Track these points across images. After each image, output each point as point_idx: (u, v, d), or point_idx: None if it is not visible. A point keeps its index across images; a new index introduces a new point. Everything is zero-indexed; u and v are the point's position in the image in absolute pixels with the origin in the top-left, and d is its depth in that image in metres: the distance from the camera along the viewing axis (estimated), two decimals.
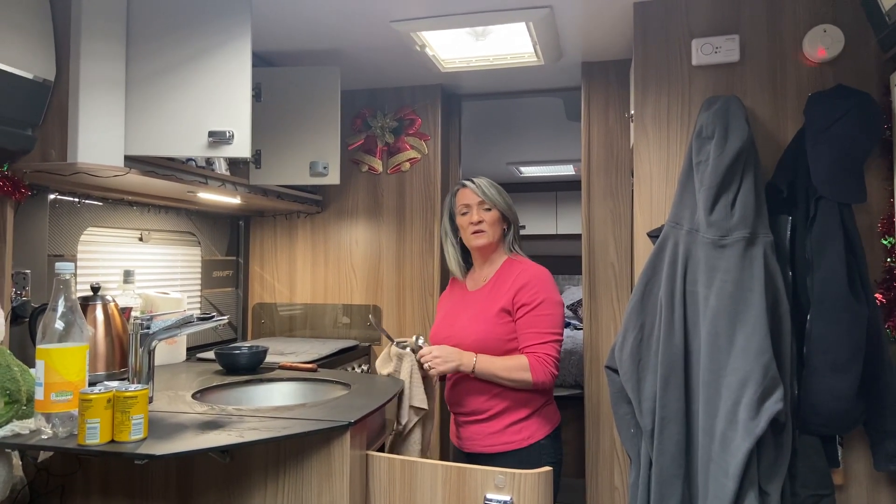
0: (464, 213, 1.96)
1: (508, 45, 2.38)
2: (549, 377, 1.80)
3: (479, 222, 1.93)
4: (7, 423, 1.34)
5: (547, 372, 1.80)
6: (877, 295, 1.79)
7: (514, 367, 1.80)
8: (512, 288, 1.87)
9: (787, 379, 1.69)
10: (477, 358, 1.82)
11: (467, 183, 1.98)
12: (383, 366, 1.93)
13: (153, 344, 1.63)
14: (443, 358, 1.81)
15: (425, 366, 1.83)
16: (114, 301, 1.91)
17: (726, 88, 1.98)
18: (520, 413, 1.83)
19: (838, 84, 1.85)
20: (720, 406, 1.67)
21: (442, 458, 2.87)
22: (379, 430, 1.75)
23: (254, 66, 1.87)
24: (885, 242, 1.81)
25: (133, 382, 1.60)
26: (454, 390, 1.93)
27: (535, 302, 1.84)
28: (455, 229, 2.03)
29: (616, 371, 1.90)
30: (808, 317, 1.73)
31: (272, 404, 1.89)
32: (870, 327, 1.70)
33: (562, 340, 1.85)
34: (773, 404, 1.61)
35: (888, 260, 1.81)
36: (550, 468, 1.47)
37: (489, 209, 1.94)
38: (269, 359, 2.17)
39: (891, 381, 1.73)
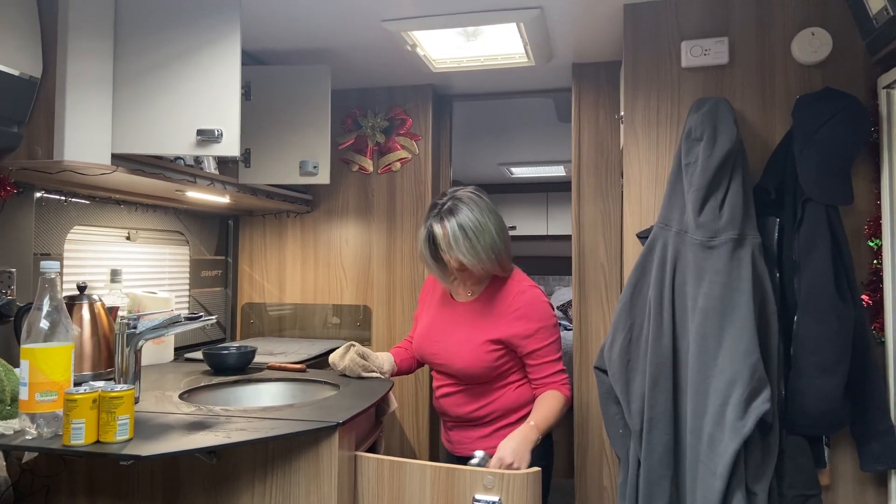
0: (443, 250, 1.77)
1: (499, 45, 2.38)
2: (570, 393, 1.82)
3: (461, 265, 1.76)
4: None
5: (570, 392, 1.81)
6: (863, 296, 1.80)
7: (561, 409, 1.76)
8: (506, 317, 1.78)
9: (774, 380, 1.70)
10: (536, 425, 1.68)
11: (436, 227, 1.75)
12: (339, 360, 1.97)
13: (140, 344, 1.62)
14: (517, 461, 1.59)
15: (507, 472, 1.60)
16: (100, 300, 1.89)
17: (715, 90, 1.99)
18: (508, 418, 1.81)
19: (826, 87, 1.87)
20: (708, 406, 1.68)
21: (432, 458, 2.86)
22: (368, 430, 1.75)
23: (244, 64, 1.86)
24: (871, 244, 1.83)
25: (119, 382, 1.59)
26: (441, 401, 1.90)
27: (538, 334, 1.76)
28: (436, 252, 1.82)
29: (605, 371, 1.90)
30: (796, 318, 1.74)
31: (260, 405, 1.88)
32: (856, 329, 1.71)
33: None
34: (761, 405, 1.62)
35: (874, 262, 1.82)
36: (539, 468, 1.47)
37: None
38: (257, 359, 2.16)
39: (877, 382, 1.74)
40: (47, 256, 1.97)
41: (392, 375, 2.00)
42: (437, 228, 1.75)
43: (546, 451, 1.84)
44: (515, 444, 1.62)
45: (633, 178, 2.08)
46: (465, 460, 1.81)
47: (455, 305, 1.90)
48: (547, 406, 1.74)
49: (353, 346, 1.98)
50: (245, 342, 2.78)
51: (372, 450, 1.74)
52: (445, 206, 1.77)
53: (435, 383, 1.94)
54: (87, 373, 1.78)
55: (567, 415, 2.78)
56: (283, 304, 3.04)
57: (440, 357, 1.87)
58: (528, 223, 6.00)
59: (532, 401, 1.80)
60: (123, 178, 1.91)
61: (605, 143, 2.67)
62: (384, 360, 1.98)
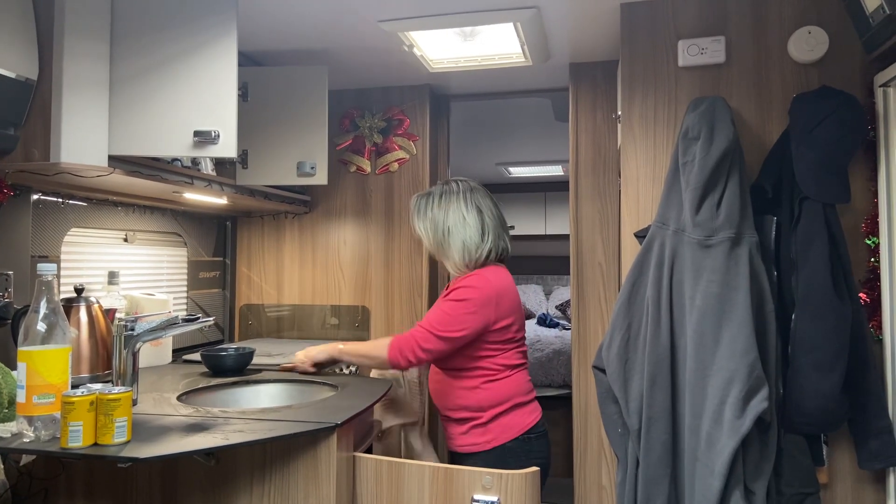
0: None
1: (496, 45, 2.39)
2: (402, 360, 1.76)
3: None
4: None
5: (401, 354, 1.76)
6: (861, 294, 1.80)
7: (376, 346, 1.84)
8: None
9: (772, 378, 1.70)
10: (342, 347, 1.92)
11: (412, 201, 1.98)
12: None
13: (138, 346, 1.61)
14: (302, 357, 1.97)
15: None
16: (98, 302, 1.89)
17: (712, 89, 1.99)
18: (480, 417, 1.79)
19: (823, 85, 1.87)
20: (706, 405, 1.68)
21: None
22: (366, 431, 1.75)
23: (240, 65, 1.86)
24: (868, 242, 1.83)
25: (117, 385, 1.58)
26: (431, 390, 1.94)
27: (443, 296, 1.83)
28: None
29: (603, 371, 1.90)
30: (793, 316, 1.74)
31: (259, 406, 1.88)
32: (854, 327, 1.72)
33: (445, 339, 1.73)
34: (759, 403, 1.63)
35: (872, 260, 1.82)
36: (538, 468, 1.46)
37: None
38: (256, 360, 2.16)
39: (874, 379, 1.75)
40: (44, 259, 1.96)
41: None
42: (412, 202, 1.98)
43: (527, 453, 1.80)
44: (313, 348, 1.96)
45: (630, 177, 2.08)
46: (457, 455, 1.83)
47: (442, 295, 1.97)
48: (367, 344, 1.95)
49: None
50: (243, 344, 2.78)
51: (370, 450, 1.74)
52: (432, 188, 1.95)
53: (430, 373, 1.98)
54: (85, 375, 1.78)
55: (566, 414, 2.78)
56: (281, 306, 3.04)
57: None
58: (526, 223, 6.01)
59: (500, 402, 1.79)
60: (120, 180, 1.91)
61: (602, 143, 2.67)
62: None
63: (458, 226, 1.85)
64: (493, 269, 1.86)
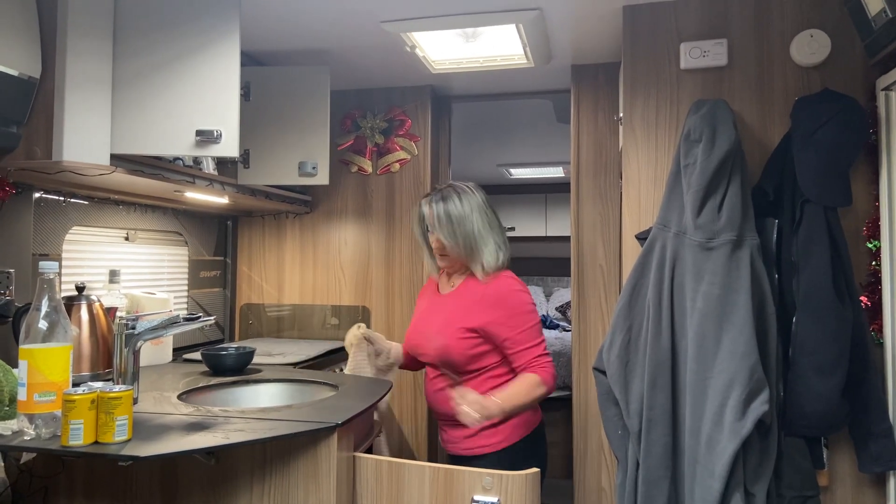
0: (429, 231, 1.90)
1: (499, 46, 2.39)
2: (555, 383, 1.79)
3: (441, 246, 1.87)
4: None
5: (553, 378, 1.78)
6: (862, 298, 1.80)
7: (531, 388, 1.73)
8: (479, 304, 1.80)
9: (772, 381, 1.70)
10: (501, 403, 1.69)
11: (424, 207, 1.90)
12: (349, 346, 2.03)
13: (138, 344, 1.61)
14: (480, 409, 1.68)
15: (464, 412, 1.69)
16: (99, 301, 1.89)
17: (714, 92, 2.00)
18: (492, 418, 1.80)
19: (825, 88, 1.87)
20: (706, 407, 1.68)
21: (431, 459, 2.86)
22: (367, 431, 1.75)
23: (243, 65, 1.86)
24: (870, 246, 1.83)
25: (118, 383, 1.58)
26: (430, 396, 1.92)
27: (511, 322, 1.77)
28: (425, 232, 1.95)
29: (604, 372, 1.90)
30: (794, 319, 1.74)
31: (259, 405, 1.88)
32: (855, 330, 1.72)
33: (545, 339, 1.83)
34: (759, 406, 1.63)
35: (873, 263, 1.82)
36: (538, 469, 1.46)
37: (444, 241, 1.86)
38: (256, 360, 2.16)
39: (875, 383, 1.75)
40: (46, 257, 1.96)
41: (401, 367, 2.07)
42: (426, 209, 1.90)
43: (534, 452, 1.81)
44: (481, 409, 1.65)
45: (631, 179, 2.08)
46: (460, 459, 1.83)
47: (439, 299, 1.96)
48: (516, 387, 1.74)
49: (360, 327, 2.03)
50: (243, 343, 2.78)
51: (371, 450, 1.73)
52: (441, 192, 1.89)
53: (426, 377, 1.96)
54: (86, 373, 1.78)
55: (565, 415, 2.78)
56: (281, 305, 3.04)
57: (422, 346, 1.91)
58: (527, 224, 6.00)
59: None
60: (122, 179, 1.91)
61: (603, 145, 2.67)
62: (395, 348, 2.05)
63: (487, 227, 1.85)
64: (508, 272, 1.88)
